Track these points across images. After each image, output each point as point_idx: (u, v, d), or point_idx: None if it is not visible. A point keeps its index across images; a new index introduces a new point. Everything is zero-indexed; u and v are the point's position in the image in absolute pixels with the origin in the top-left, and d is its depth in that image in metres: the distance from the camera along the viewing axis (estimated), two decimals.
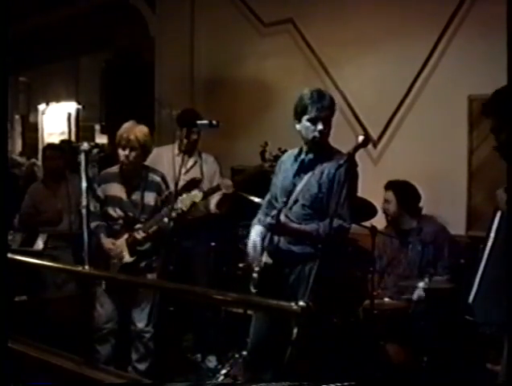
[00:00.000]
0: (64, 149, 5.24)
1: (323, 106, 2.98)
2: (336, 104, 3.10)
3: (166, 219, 3.64)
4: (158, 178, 3.78)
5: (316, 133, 2.99)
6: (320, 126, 2.97)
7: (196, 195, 3.66)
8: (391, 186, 3.92)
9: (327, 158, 3.03)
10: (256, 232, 3.13)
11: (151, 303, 3.73)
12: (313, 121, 2.98)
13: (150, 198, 3.72)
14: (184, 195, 3.57)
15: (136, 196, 3.72)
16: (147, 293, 3.70)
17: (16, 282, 3.91)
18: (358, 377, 3.17)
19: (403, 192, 3.89)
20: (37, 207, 4.85)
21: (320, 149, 3.05)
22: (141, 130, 3.66)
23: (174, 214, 3.59)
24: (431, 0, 4.20)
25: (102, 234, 3.70)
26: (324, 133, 3.00)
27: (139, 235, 3.64)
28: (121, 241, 3.67)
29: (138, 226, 3.67)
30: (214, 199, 4.17)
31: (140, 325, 3.72)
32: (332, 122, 3.05)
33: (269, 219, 3.04)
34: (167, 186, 3.79)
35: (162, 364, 3.85)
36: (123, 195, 3.73)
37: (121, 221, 3.71)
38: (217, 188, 4.11)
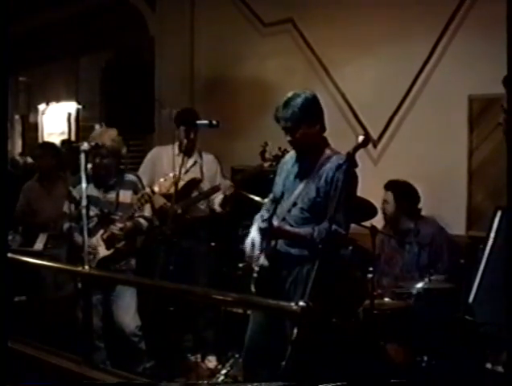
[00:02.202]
0: (58, 148, 5.24)
1: (283, 117, 2.95)
2: (308, 110, 2.94)
3: (142, 220, 3.76)
4: (134, 178, 3.89)
5: (289, 143, 3.03)
6: (288, 137, 3.00)
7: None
8: (390, 186, 3.92)
9: (325, 160, 3.01)
10: (256, 229, 3.11)
11: (135, 304, 3.75)
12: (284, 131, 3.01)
13: (125, 196, 3.78)
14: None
15: (112, 195, 3.78)
16: (130, 294, 3.72)
17: (16, 282, 3.90)
18: (358, 377, 3.17)
19: (401, 193, 3.88)
20: (31, 205, 4.83)
21: (315, 152, 3.03)
22: (109, 136, 3.72)
23: (147, 214, 3.76)
24: (431, 0, 4.20)
25: (76, 233, 3.69)
26: (294, 142, 3.00)
27: (115, 226, 3.66)
28: (96, 237, 3.70)
29: (114, 217, 3.71)
30: (217, 199, 4.17)
31: (128, 329, 3.73)
32: (306, 130, 2.94)
33: (263, 224, 3.03)
34: (143, 186, 3.86)
35: (162, 364, 3.84)
36: (100, 195, 3.78)
37: (96, 219, 3.73)
38: (217, 188, 4.12)
